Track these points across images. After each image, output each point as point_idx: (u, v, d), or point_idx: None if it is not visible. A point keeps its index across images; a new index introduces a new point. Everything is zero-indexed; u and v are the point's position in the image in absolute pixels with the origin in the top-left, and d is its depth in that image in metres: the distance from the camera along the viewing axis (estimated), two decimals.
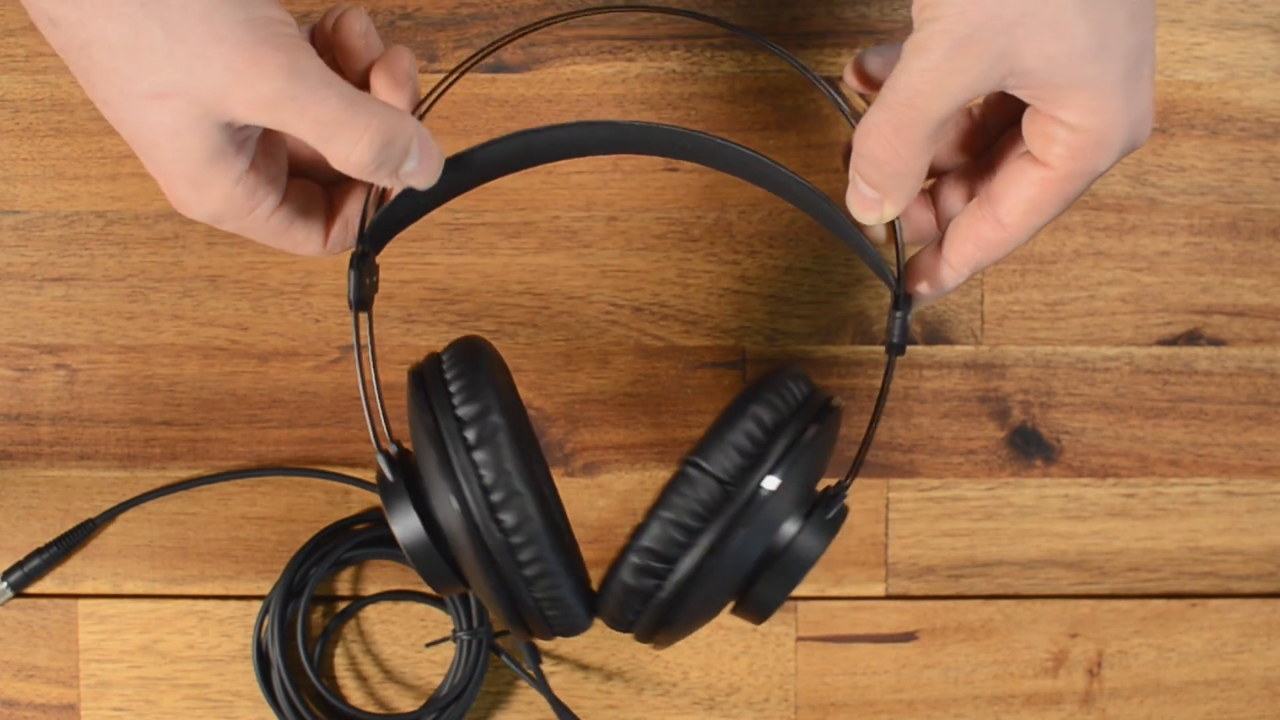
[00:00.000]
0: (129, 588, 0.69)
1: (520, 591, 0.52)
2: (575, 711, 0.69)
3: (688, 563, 0.51)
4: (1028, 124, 0.50)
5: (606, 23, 0.68)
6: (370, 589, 0.69)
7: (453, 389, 0.52)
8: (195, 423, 0.69)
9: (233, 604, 0.69)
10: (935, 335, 0.69)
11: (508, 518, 0.51)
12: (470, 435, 0.51)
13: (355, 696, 0.69)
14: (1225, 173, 0.69)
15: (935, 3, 0.48)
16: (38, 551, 0.68)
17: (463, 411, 0.51)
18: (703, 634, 0.69)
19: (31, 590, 0.69)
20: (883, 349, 0.53)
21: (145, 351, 0.69)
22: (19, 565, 0.68)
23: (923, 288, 0.54)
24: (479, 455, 0.51)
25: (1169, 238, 0.69)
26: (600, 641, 0.69)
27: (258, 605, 0.69)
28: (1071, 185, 0.50)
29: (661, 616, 0.53)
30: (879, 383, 0.69)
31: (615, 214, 0.69)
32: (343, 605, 0.69)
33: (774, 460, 0.51)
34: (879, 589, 0.70)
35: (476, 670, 0.66)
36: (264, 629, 0.68)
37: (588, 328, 0.69)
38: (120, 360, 0.69)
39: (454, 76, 0.54)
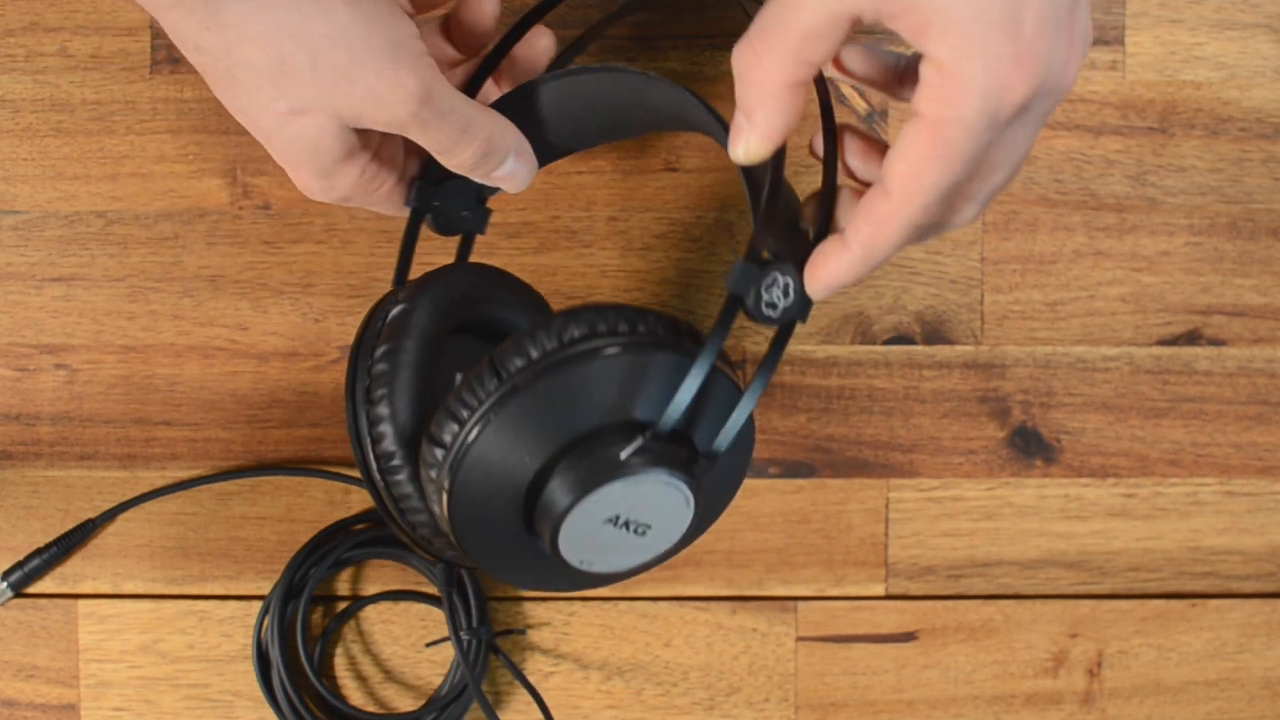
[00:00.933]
0: (129, 588, 0.69)
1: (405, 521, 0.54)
2: (575, 712, 0.69)
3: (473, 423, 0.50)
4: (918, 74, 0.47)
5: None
6: (370, 589, 0.69)
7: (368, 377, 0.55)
8: (195, 423, 0.69)
9: (233, 604, 0.69)
10: (935, 335, 0.69)
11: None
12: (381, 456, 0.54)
13: (355, 696, 0.69)
14: (1225, 173, 0.69)
15: None
16: (38, 551, 0.68)
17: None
18: (703, 634, 0.69)
19: (31, 590, 0.69)
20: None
21: (145, 351, 0.69)
22: (19, 565, 0.68)
23: (823, 272, 0.49)
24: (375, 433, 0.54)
25: (1169, 238, 0.69)
26: (600, 641, 0.69)
27: (258, 605, 0.69)
28: (943, 136, 0.45)
29: (453, 484, 0.51)
30: (879, 383, 0.69)
31: (615, 214, 0.69)
32: (342, 605, 0.69)
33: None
34: (879, 589, 0.70)
35: (476, 670, 0.66)
36: (264, 629, 0.68)
37: None
38: (120, 360, 0.69)
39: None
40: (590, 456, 0.49)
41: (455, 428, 0.50)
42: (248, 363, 0.69)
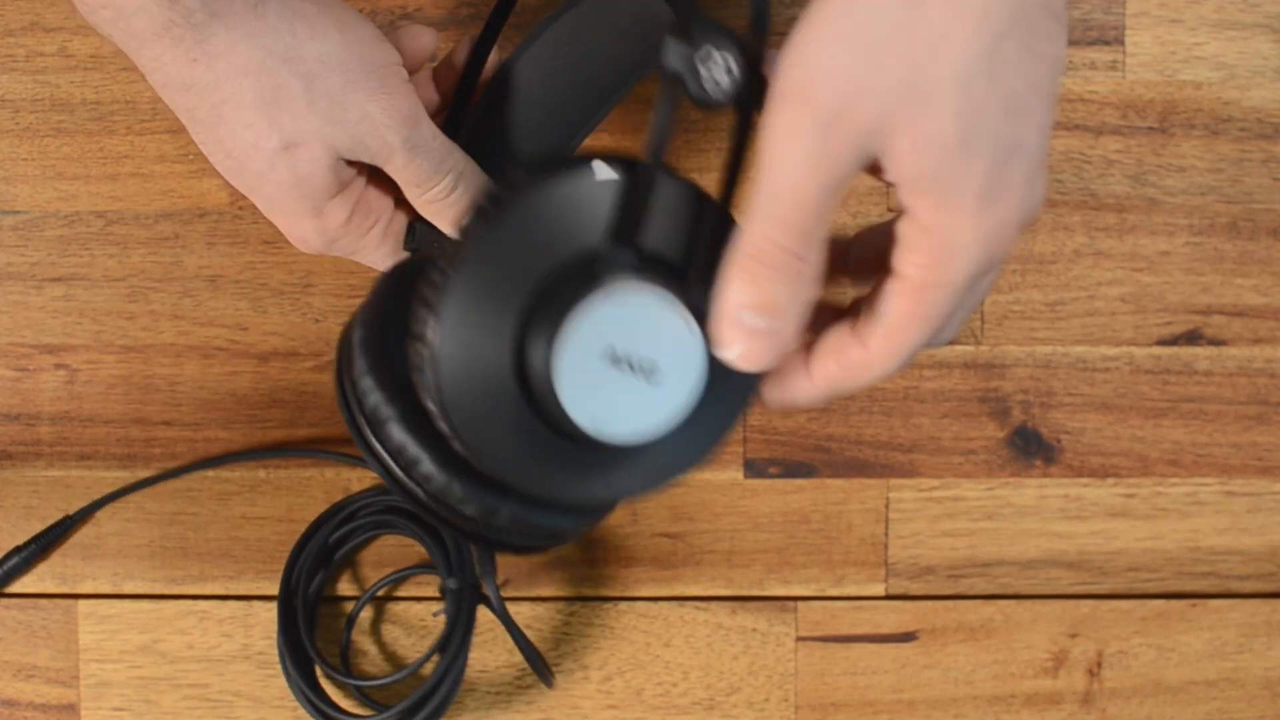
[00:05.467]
0: (129, 588, 0.69)
1: (436, 508, 0.50)
2: (575, 712, 0.69)
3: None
4: (896, 230, 0.45)
5: None
6: (383, 570, 0.69)
7: (358, 382, 0.51)
8: (195, 423, 0.69)
9: (233, 604, 0.69)
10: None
11: (388, 444, 0.50)
12: (369, 413, 0.50)
13: (378, 665, 0.69)
14: (1225, 173, 0.69)
15: (800, 67, 0.41)
16: (16, 550, 0.68)
17: (363, 399, 0.51)
18: (703, 634, 0.69)
19: (31, 590, 0.69)
20: None
21: (145, 351, 0.69)
22: None
23: (777, 392, 0.47)
24: (384, 438, 0.50)
25: (1169, 238, 0.69)
26: (600, 641, 0.69)
27: (258, 605, 0.69)
28: (929, 299, 0.44)
29: (438, 396, 0.46)
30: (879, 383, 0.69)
31: None
32: (348, 596, 0.69)
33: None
34: (879, 589, 0.70)
35: (460, 616, 0.65)
36: (293, 578, 0.67)
37: None
38: (120, 360, 0.69)
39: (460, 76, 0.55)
40: (562, 287, 0.45)
41: (426, 313, 0.45)
42: (248, 363, 0.69)
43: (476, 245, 0.44)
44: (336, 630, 0.69)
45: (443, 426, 0.46)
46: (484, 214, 0.45)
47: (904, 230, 0.44)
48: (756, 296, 0.44)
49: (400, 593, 0.69)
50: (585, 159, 0.45)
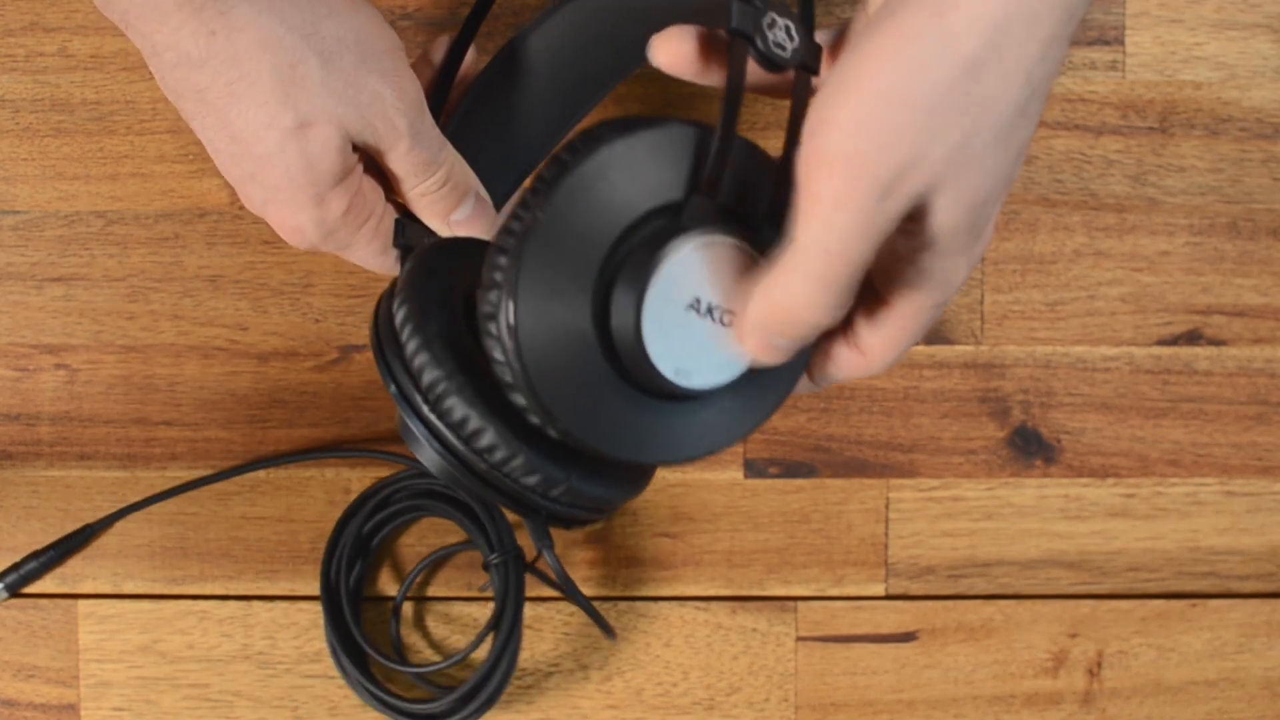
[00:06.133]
0: (129, 588, 0.69)
1: (499, 481, 0.50)
2: (575, 711, 0.69)
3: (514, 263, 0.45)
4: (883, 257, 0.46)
5: None
6: (423, 551, 0.69)
7: (406, 344, 0.51)
8: (195, 423, 0.69)
9: (233, 604, 0.69)
10: (935, 335, 0.69)
11: (447, 414, 0.49)
12: (426, 388, 0.50)
13: (427, 655, 0.69)
14: (1225, 173, 0.69)
15: (857, 130, 0.41)
16: (35, 554, 0.68)
17: (416, 368, 0.50)
18: (703, 634, 0.69)
19: (31, 590, 0.69)
20: None
21: (145, 351, 0.69)
22: (15, 567, 0.68)
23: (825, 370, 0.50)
24: (440, 407, 0.50)
25: (1169, 238, 0.69)
26: (600, 641, 0.69)
27: (258, 605, 0.69)
28: (926, 317, 0.47)
29: (518, 359, 0.45)
30: (879, 383, 0.69)
31: None
32: (385, 589, 0.69)
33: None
34: (879, 589, 0.70)
35: (509, 590, 0.65)
36: (332, 572, 0.67)
37: None
38: (120, 360, 0.69)
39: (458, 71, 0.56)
40: (645, 238, 0.45)
41: (502, 275, 0.45)
42: (248, 363, 0.69)
43: (554, 202, 0.45)
44: (378, 625, 0.69)
45: (518, 394, 0.46)
46: (563, 166, 0.45)
47: (908, 259, 0.45)
48: (793, 336, 0.45)
49: (434, 592, 0.69)
50: (651, 118, 0.46)
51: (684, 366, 0.46)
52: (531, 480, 0.49)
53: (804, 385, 0.50)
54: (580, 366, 0.46)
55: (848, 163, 0.41)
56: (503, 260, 0.45)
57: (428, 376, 0.49)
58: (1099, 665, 0.70)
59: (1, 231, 0.68)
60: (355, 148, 0.53)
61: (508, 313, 0.45)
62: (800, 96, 0.46)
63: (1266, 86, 0.69)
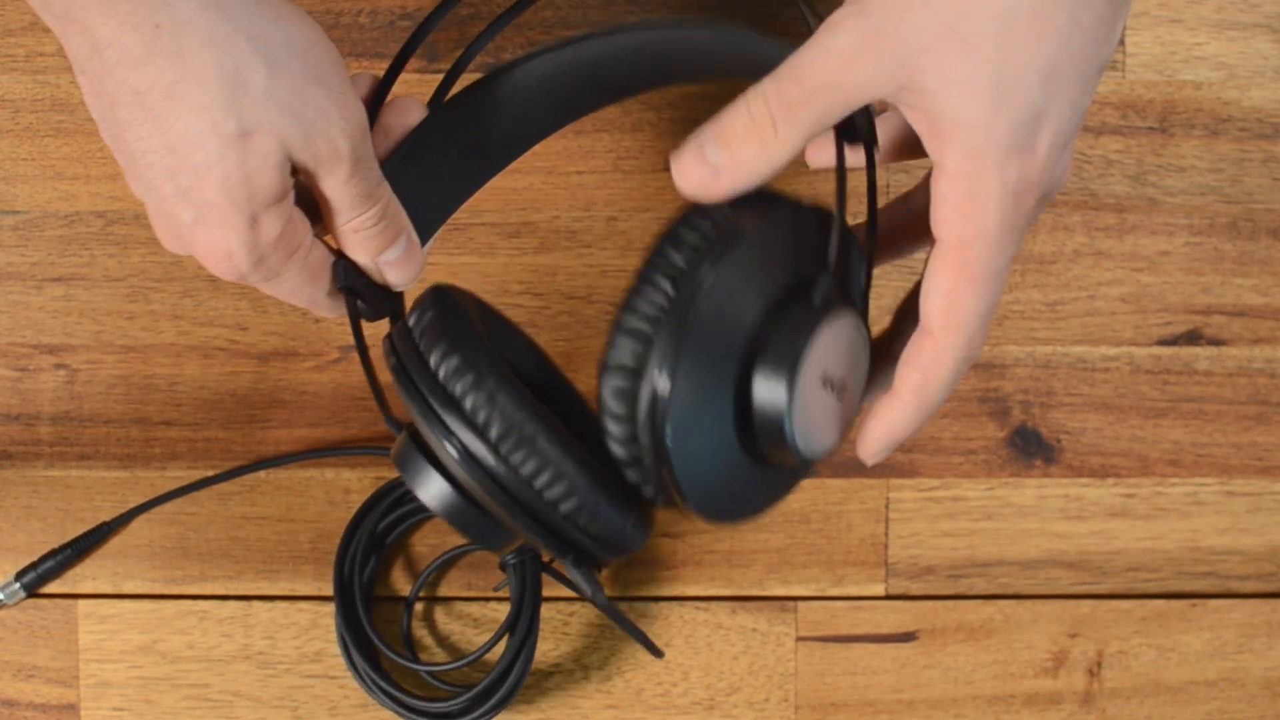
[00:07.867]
0: (129, 588, 0.69)
1: (560, 525, 0.50)
2: (575, 712, 0.69)
3: (655, 365, 0.46)
4: (931, 191, 0.47)
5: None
6: (433, 552, 0.69)
7: (428, 356, 0.51)
8: (195, 423, 0.69)
9: (233, 604, 0.69)
10: None
11: (520, 459, 0.49)
12: (458, 396, 0.50)
13: (438, 655, 0.69)
14: (1225, 173, 0.69)
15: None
16: (52, 553, 0.68)
17: (443, 375, 0.51)
18: (702, 634, 0.69)
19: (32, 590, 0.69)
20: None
21: (145, 351, 0.69)
22: (32, 566, 0.68)
23: (878, 432, 0.50)
24: (476, 417, 0.50)
25: (1169, 238, 0.69)
26: (600, 641, 0.69)
27: (258, 605, 0.69)
28: (970, 256, 0.46)
29: (657, 440, 0.47)
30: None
31: (615, 214, 0.69)
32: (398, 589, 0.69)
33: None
34: (879, 589, 0.70)
35: (525, 591, 0.65)
36: (346, 568, 0.67)
37: (588, 328, 0.69)
38: (120, 360, 0.69)
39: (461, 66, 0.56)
40: (784, 322, 0.47)
41: (649, 351, 0.46)
42: (248, 363, 0.69)
43: (705, 286, 0.46)
44: (389, 623, 0.69)
45: (634, 471, 0.48)
46: (707, 250, 0.47)
47: (934, 189, 0.45)
48: (728, 141, 0.47)
49: (445, 591, 0.69)
50: (780, 198, 0.49)
51: (808, 440, 0.48)
52: (595, 529, 0.50)
53: (907, 416, 0.49)
54: (718, 449, 0.48)
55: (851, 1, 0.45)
56: (650, 327, 0.46)
57: (504, 423, 0.49)
58: (1099, 665, 0.70)
59: (1, 231, 0.68)
60: (293, 170, 0.50)
61: (659, 397, 0.46)
62: (870, 169, 0.49)
63: (1266, 86, 0.69)
